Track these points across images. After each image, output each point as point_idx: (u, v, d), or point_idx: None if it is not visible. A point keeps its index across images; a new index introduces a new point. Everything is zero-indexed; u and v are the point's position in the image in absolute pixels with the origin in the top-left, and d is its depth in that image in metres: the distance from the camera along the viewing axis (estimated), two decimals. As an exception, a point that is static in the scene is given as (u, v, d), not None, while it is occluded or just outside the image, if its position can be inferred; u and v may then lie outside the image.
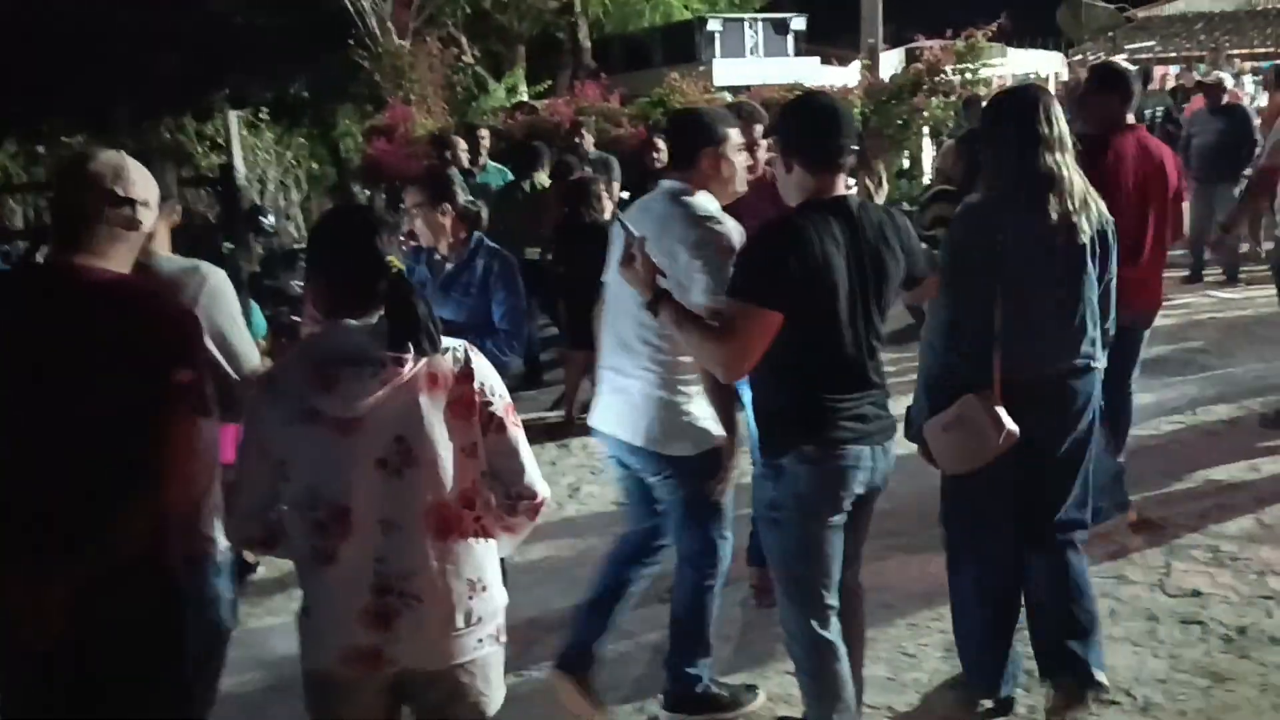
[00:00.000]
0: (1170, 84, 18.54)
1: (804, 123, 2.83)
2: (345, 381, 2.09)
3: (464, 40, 20.18)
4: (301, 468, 2.16)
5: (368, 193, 6.06)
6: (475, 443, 2.22)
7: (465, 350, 2.23)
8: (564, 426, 6.75)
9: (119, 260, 2.34)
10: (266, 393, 2.21)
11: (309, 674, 2.24)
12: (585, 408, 6.74)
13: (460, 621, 2.19)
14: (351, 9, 16.94)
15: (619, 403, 3.31)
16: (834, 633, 2.90)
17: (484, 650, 2.24)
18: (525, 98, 16.32)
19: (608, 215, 6.87)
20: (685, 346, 2.92)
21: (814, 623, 2.87)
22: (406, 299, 2.14)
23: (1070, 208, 3.01)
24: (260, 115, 17.43)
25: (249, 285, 5.78)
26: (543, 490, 2.35)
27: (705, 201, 3.19)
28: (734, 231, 3.08)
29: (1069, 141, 3.07)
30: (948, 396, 3.07)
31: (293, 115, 19.95)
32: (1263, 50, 22.92)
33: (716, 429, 3.15)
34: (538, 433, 6.57)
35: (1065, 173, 3.02)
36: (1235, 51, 19.62)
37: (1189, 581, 4.06)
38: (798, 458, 2.77)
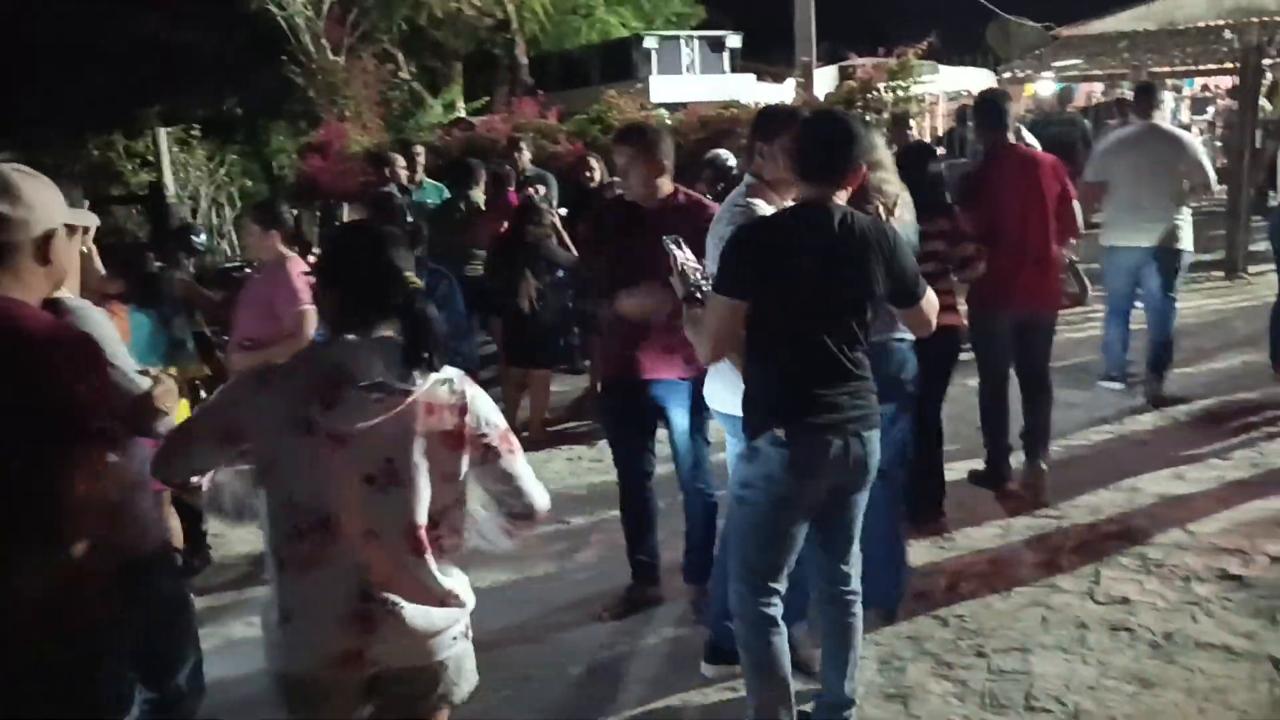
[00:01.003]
0: (1096, 100, 19.01)
1: (805, 135, 3.04)
2: (347, 403, 2.13)
3: (400, 56, 20.11)
4: (286, 474, 2.18)
5: (294, 211, 5.97)
6: (456, 471, 2.27)
7: (462, 383, 2.26)
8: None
9: (16, 285, 2.15)
10: (256, 390, 2.20)
11: (286, 678, 2.25)
12: (524, 426, 6.76)
13: (437, 624, 2.25)
14: (285, 25, 16.79)
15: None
16: (778, 610, 3.07)
17: (457, 647, 2.32)
18: (463, 114, 16.28)
19: (549, 235, 6.88)
20: None
21: (759, 600, 3.05)
22: (425, 315, 2.19)
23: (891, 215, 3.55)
24: (192, 132, 17.20)
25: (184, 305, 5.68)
26: (541, 505, 2.47)
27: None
28: None
29: (889, 161, 3.67)
30: None
31: (225, 132, 19.70)
32: (1183, 68, 23.59)
33: None
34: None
35: (887, 187, 3.58)
36: (1157, 69, 20.14)
37: (1118, 589, 4.14)
38: (771, 440, 2.93)
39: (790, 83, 13.39)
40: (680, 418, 4.06)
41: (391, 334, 2.22)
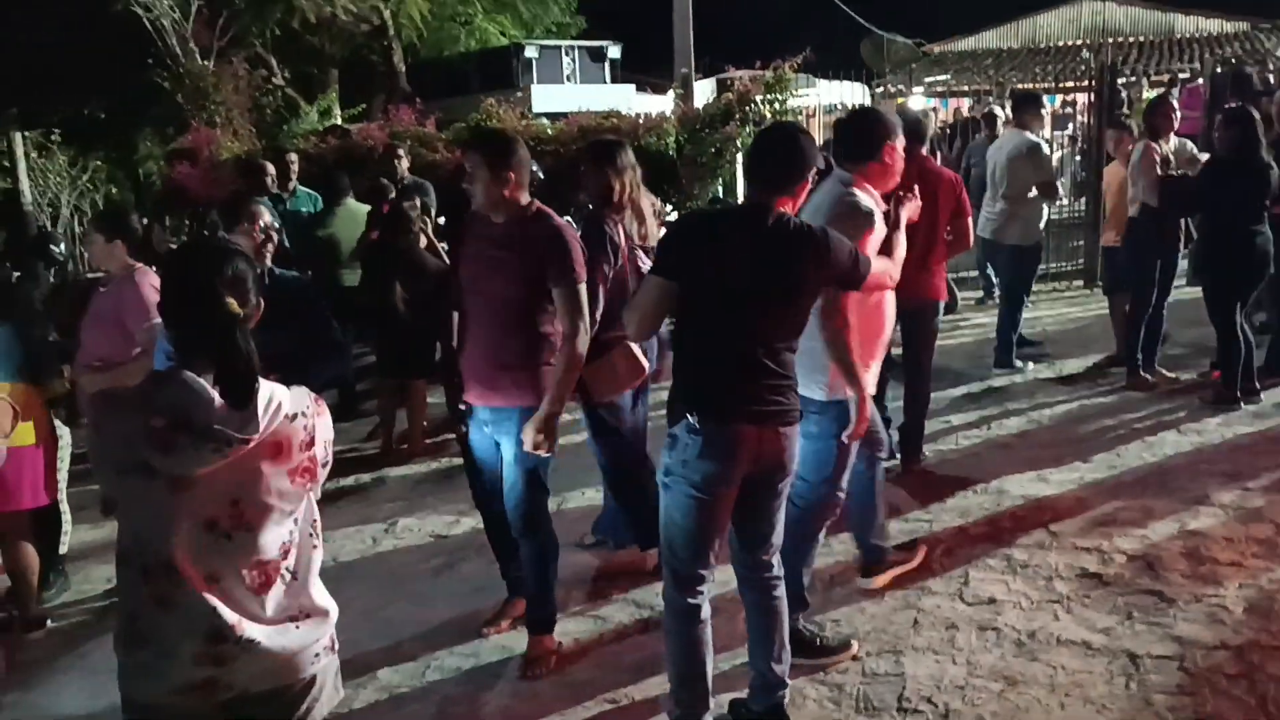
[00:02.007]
0: (964, 115, 19.64)
1: (757, 145, 3.26)
2: (183, 449, 1.99)
3: (273, 62, 19.63)
4: (130, 514, 2.09)
5: (144, 220, 5.75)
6: (305, 502, 2.19)
7: (312, 414, 2.15)
8: (380, 458, 6.58)
9: None
10: (95, 429, 2.11)
11: (135, 702, 2.15)
12: (403, 439, 6.65)
13: (296, 644, 2.18)
14: (150, 27, 16.21)
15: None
16: (701, 600, 3.16)
17: (320, 663, 2.25)
18: (338, 121, 15.95)
19: (423, 243, 6.78)
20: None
21: (682, 588, 3.15)
22: (237, 350, 2.01)
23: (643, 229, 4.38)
24: (52, 137, 16.46)
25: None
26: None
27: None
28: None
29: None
30: None
31: (89, 137, 18.91)
32: (1044, 85, 24.55)
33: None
34: (353, 465, 6.41)
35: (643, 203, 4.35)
36: (1020, 86, 20.93)
37: (985, 590, 4.26)
38: (687, 428, 3.03)
39: (671, 94, 13.51)
40: (508, 450, 3.74)
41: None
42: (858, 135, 3.74)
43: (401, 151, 8.61)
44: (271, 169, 8.06)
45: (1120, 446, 5.84)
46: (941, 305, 5.64)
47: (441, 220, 7.84)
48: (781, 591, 3.31)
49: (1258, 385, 6.43)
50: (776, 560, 3.30)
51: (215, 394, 2.01)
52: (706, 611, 3.19)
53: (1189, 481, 5.26)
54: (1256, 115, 6.37)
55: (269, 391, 2.07)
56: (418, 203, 7.03)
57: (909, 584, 4.35)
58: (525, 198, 3.71)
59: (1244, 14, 27.69)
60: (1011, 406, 6.71)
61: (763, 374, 3.04)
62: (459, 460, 6.40)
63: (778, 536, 3.28)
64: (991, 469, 5.61)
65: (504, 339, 3.65)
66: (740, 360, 3.03)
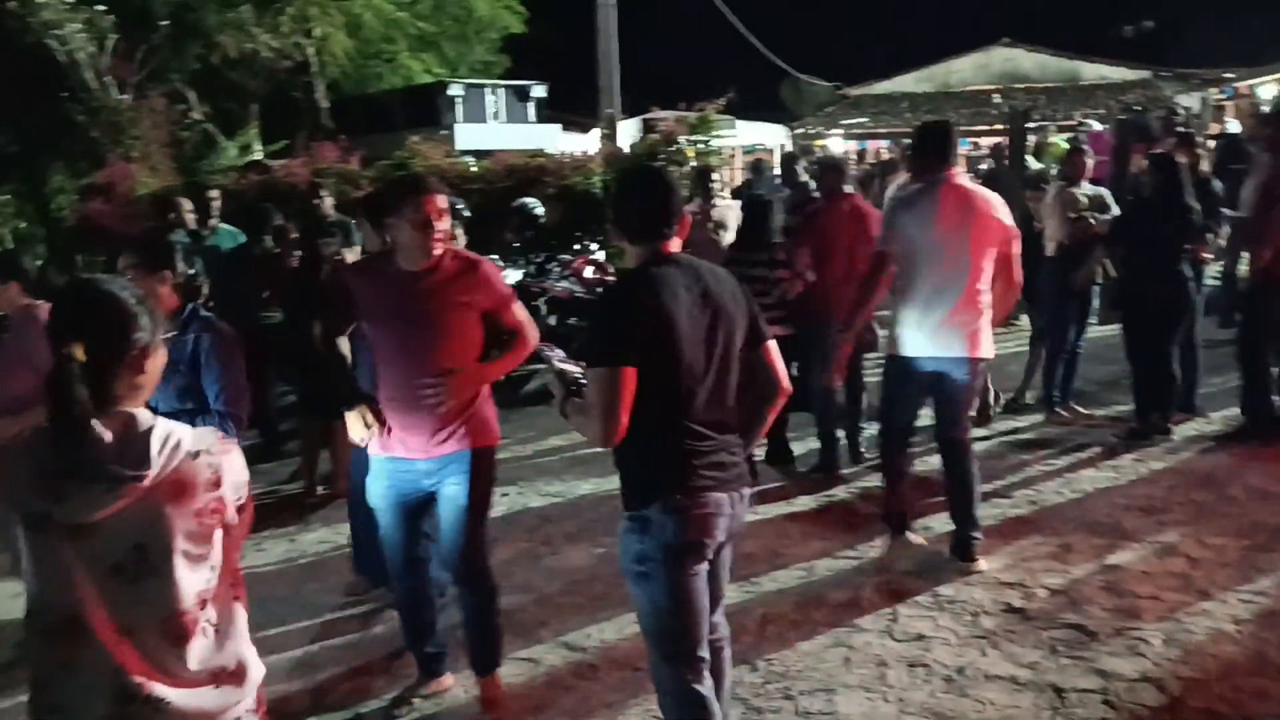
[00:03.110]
0: (884, 157, 20.09)
1: (631, 195, 2.98)
2: (74, 494, 1.92)
3: (192, 96, 19.34)
4: (31, 571, 1.98)
5: (38, 263, 5.64)
6: (216, 546, 2.09)
7: (218, 453, 2.07)
8: (302, 499, 6.45)
9: None
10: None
11: None
12: (325, 479, 6.53)
13: (213, 705, 2.08)
14: (65, 60, 15.90)
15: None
16: (707, 688, 2.90)
17: None
18: (259, 157, 15.77)
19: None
20: None
21: (687, 677, 2.87)
22: (63, 398, 1.95)
23: None
24: (-44, 169, 16.05)
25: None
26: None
27: None
28: None
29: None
30: None
31: (-3, 171, 18.42)
32: (960, 128, 25.24)
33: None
34: (276, 508, 6.27)
35: None
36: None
37: (914, 626, 4.31)
38: (664, 508, 2.79)
39: (596, 133, 13.61)
40: (456, 493, 3.64)
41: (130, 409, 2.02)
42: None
43: (324, 190, 8.52)
44: (189, 205, 7.92)
45: (1040, 483, 5.97)
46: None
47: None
48: (729, 651, 3.16)
49: (1169, 423, 6.63)
50: (722, 620, 3.13)
51: (106, 434, 1.95)
52: (713, 699, 2.93)
53: (1106, 516, 5.39)
54: (1181, 160, 6.65)
55: (165, 429, 2.01)
56: (333, 240, 6.95)
57: (839, 622, 4.38)
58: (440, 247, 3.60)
59: (1145, 63, 28.85)
60: (934, 444, 6.80)
61: (724, 434, 2.88)
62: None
63: (723, 602, 3.11)
64: (915, 505, 5.67)
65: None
66: (702, 426, 2.83)
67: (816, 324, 6.05)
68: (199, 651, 2.06)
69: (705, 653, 2.90)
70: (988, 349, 4.71)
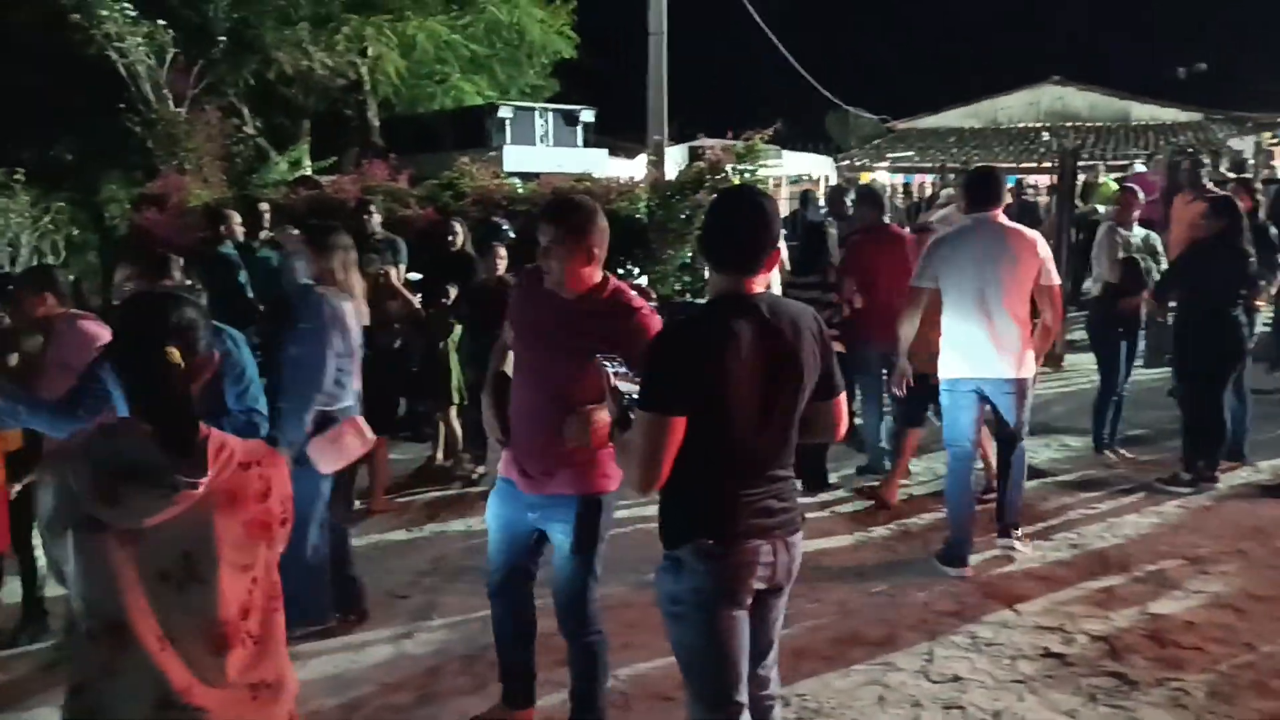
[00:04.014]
0: (929, 191, 20.02)
1: (715, 221, 2.79)
2: (129, 499, 1.94)
3: (246, 111, 19.65)
4: (77, 575, 1.99)
5: (72, 276, 5.76)
6: (261, 559, 2.11)
7: (269, 465, 2.10)
8: (340, 515, 6.46)
9: None
10: (43, 486, 2.02)
11: None
12: (364, 494, 6.56)
13: None
14: (124, 72, 16.21)
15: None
16: None
17: None
18: (309, 172, 15.96)
19: (390, 296, 6.75)
20: None
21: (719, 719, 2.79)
22: (173, 401, 1.99)
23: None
24: (16, 176, 16.35)
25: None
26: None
27: None
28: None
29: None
30: None
31: (53, 178, 18.76)
32: (1006, 164, 25.12)
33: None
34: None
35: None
36: (983, 167, 21.38)
37: (950, 668, 4.25)
38: (696, 551, 2.71)
39: (642, 159, 13.66)
40: (561, 540, 3.50)
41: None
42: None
43: (373, 206, 8.61)
44: (238, 217, 8.02)
45: (1082, 526, 5.89)
46: None
47: (415, 276, 7.83)
48: (778, 713, 3.06)
49: (1217, 471, 6.52)
50: (775, 676, 3.01)
51: (158, 442, 1.98)
52: None
53: (1149, 563, 5.30)
54: (1239, 204, 6.59)
55: (220, 439, 2.04)
56: (376, 258, 7.03)
57: (874, 659, 4.33)
58: (599, 274, 3.39)
59: (1198, 105, 28.57)
60: (975, 478, 6.73)
61: (772, 481, 2.77)
62: (421, 520, 6.37)
63: (775, 652, 2.99)
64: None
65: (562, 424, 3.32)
66: (750, 471, 2.74)
67: (861, 350, 6.60)
68: (239, 662, 2.07)
69: (742, 697, 2.79)
70: (1028, 370, 5.22)
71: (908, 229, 7.83)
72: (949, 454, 5.44)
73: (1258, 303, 7.19)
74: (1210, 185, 8.66)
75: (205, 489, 1.98)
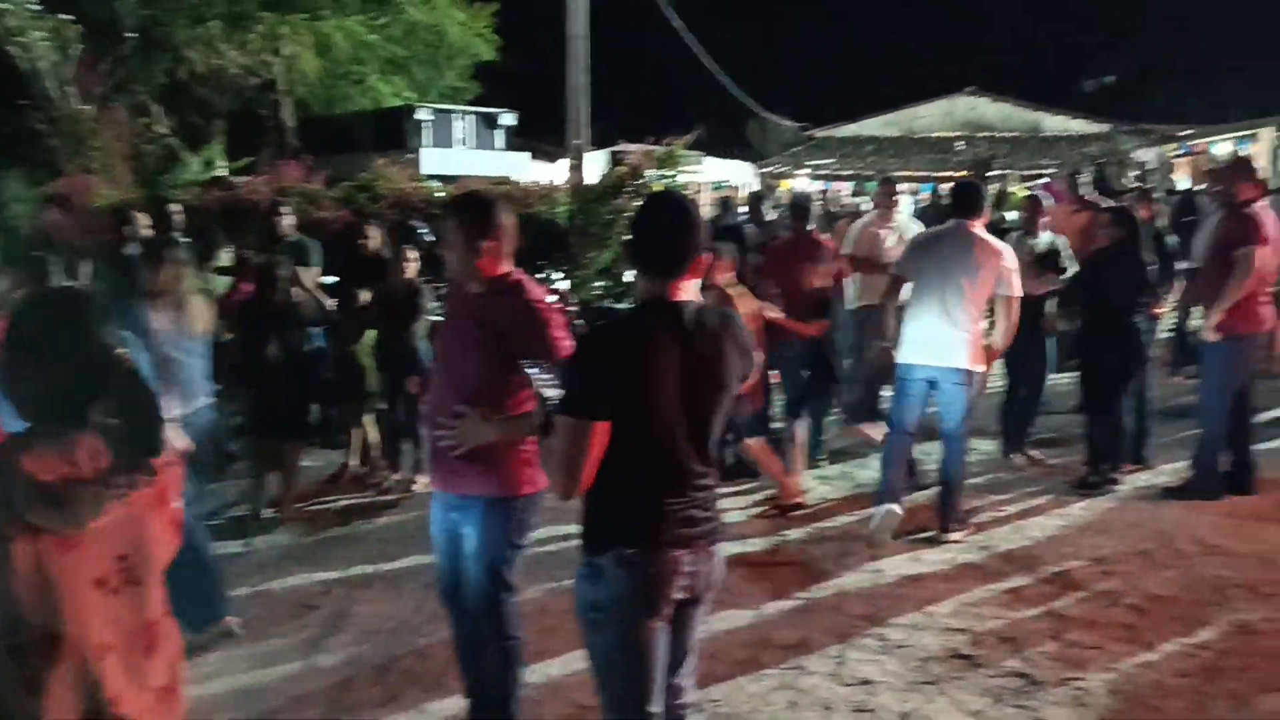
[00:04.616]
0: (845, 200, 20.27)
1: (642, 225, 2.81)
2: (71, 501, 1.89)
3: (157, 110, 19.19)
4: (6, 583, 1.92)
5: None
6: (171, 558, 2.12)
7: (175, 463, 2.11)
8: (249, 523, 6.33)
9: None
10: None
11: None
12: (273, 502, 6.43)
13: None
14: (28, 68, 15.72)
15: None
16: None
17: None
18: (222, 173, 15.64)
19: (297, 299, 6.63)
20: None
21: None
22: (144, 402, 1.99)
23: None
24: (-93, 173, 15.77)
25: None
26: None
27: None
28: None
29: None
30: None
31: (-52, 176, 18.10)
32: (921, 173, 25.61)
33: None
34: (218, 531, 6.15)
35: None
36: (899, 173, 21.74)
37: (861, 670, 4.29)
38: (616, 559, 2.68)
39: (564, 163, 13.63)
40: (473, 542, 3.47)
41: (103, 419, 2.00)
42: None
43: (286, 208, 8.44)
44: (145, 219, 7.81)
45: (991, 529, 6.00)
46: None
47: (329, 280, 7.70)
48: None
49: (1120, 473, 6.70)
50: (690, 685, 2.98)
51: (91, 444, 1.96)
52: None
53: (1054, 564, 5.42)
54: (1140, 214, 6.80)
55: None
56: (287, 259, 6.91)
57: (786, 663, 4.36)
58: (504, 265, 3.42)
59: (1105, 116, 29.44)
60: (888, 486, 6.84)
61: (695, 490, 2.75)
62: (333, 527, 6.26)
63: (693, 661, 2.97)
64: (867, 548, 5.69)
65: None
66: (673, 480, 2.71)
67: (779, 350, 6.76)
68: (157, 666, 2.06)
69: (656, 707, 2.77)
70: (978, 364, 5.69)
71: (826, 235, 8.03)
72: (890, 434, 5.98)
73: (1157, 310, 7.42)
74: (1089, 196, 8.85)
75: (139, 490, 1.98)
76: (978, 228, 5.76)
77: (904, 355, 5.77)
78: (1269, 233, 6.23)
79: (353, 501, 6.74)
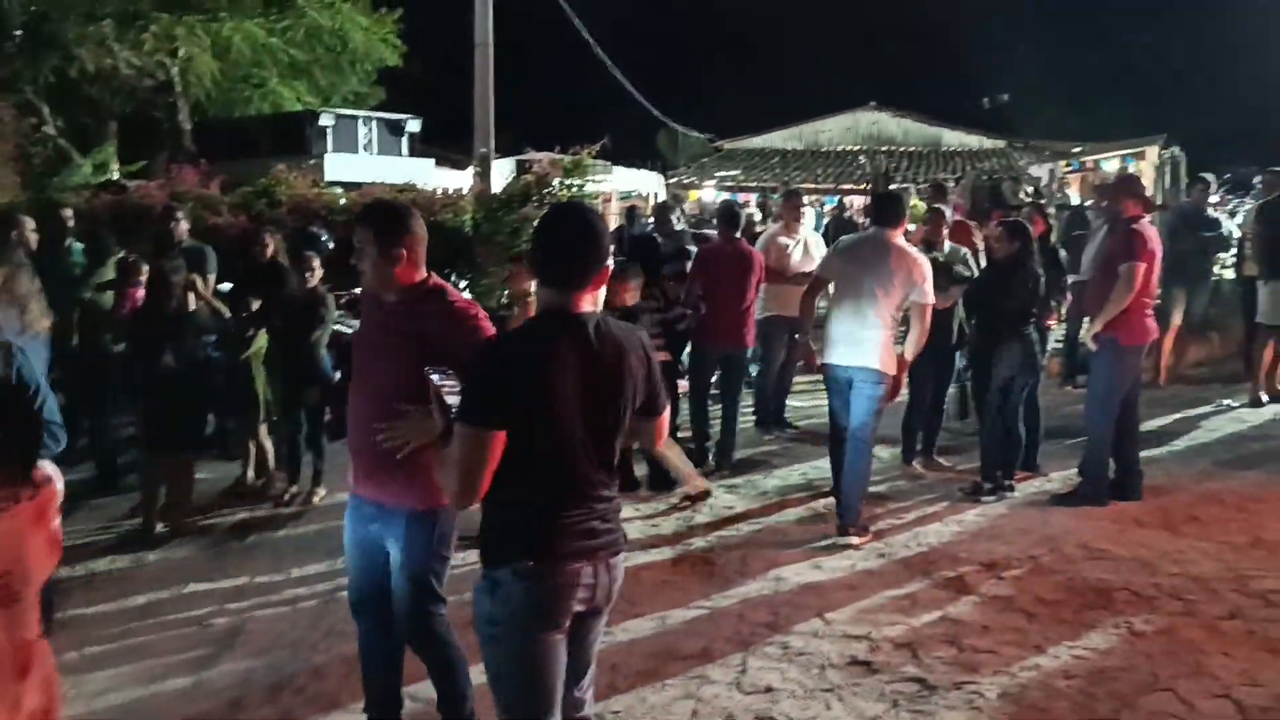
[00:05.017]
0: (750, 209, 20.48)
1: (544, 236, 2.78)
2: None
3: (45, 110, 18.54)
4: None
5: None
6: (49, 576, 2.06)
7: (57, 479, 2.04)
8: (140, 537, 6.13)
9: None
10: None
11: None
12: (165, 513, 6.23)
13: None
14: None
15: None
16: None
17: None
18: (115, 177, 15.16)
19: (193, 306, 6.46)
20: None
21: None
22: (24, 412, 1.95)
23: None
24: None
25: None
26: None
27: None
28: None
29: None
30: None
31: None
32: (825, 186, 26.05)
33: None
34: (111, 546, 5.98)
35: None
36: (804, 185, 22.08)
37: (763, 678, 4.33)
38: (515, 573, 2.66)
39: (470, 170, 13.53)
40: (397, 555, 3.41)
41: None
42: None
43: (180, 213, 8.21)
44: (30, 223, 7.53)
45: (889, 535, 6.11)
46: (749, 350, 7.86)
47: (225, 287, 7.52)
48: None
49: (1013, 480, 6.89)
50: (590, 698, 2.97)
51: None
52: None
53: (950, 569, 5.54)
54: (1033, 228, 7.01)
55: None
56: (182, 265, 6.73)
57: (689, 672, 4.37)
58: (419, 273, 3.40)
59: (1001, 133, 30.32)
60: (791, 495, 6.93)
61: (595, 501, 2.74)
62: (228, 541, 6.10)
63: (593, 672, 2.97)
64: (770, 556, 5.76)
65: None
66: (573, 492, 2.70)
67: (702, 351, 7.49)
68: (34, 687, 1.99)
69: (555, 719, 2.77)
70: (891, 367, 5.91)
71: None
72: (830, 436, 6.36)
73: (1049, 322, 7.65)
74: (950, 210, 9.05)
75: (21, 505, 1.92)
76: (897, 236, 6.03)
77: (826, 355, 6.09)
78: (1152, 248, 6.48)
79: (249, 514, 6.58)
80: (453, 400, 2.71)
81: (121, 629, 4.91)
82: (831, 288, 6.20)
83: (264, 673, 4.42)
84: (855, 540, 5.91)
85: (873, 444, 6.12)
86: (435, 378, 2.78)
